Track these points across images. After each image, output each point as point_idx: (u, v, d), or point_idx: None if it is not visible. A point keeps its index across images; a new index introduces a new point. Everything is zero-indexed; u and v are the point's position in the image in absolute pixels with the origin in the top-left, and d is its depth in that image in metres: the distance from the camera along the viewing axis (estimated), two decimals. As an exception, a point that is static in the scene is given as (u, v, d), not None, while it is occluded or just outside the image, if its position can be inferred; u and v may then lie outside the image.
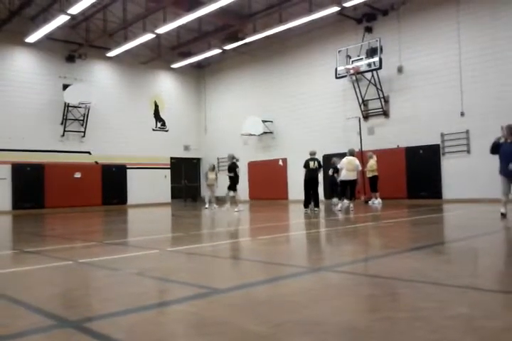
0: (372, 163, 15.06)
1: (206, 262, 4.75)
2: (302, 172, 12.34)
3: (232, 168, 14.14)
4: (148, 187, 21.20)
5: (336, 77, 16.98)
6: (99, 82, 20.55)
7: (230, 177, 14.13)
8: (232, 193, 14.32)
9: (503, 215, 8.20)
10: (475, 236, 6.27)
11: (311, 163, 12.04)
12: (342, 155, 13.72)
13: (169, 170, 22.57)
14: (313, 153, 12.36)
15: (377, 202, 14.88)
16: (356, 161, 11.94)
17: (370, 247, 5.79)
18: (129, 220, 13.13)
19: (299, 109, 19.32)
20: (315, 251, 5.68)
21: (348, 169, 11.77)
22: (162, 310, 2.85)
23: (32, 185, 18.06)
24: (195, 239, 6.97)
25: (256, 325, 2.43)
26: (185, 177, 23.51)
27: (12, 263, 4.90)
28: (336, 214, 11.23)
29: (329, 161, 15.41)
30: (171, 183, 22.61)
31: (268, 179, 20.28)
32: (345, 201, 11.92)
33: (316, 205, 11.96)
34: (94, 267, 4.54)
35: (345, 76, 16.68)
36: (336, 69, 16.86)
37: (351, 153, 12.10)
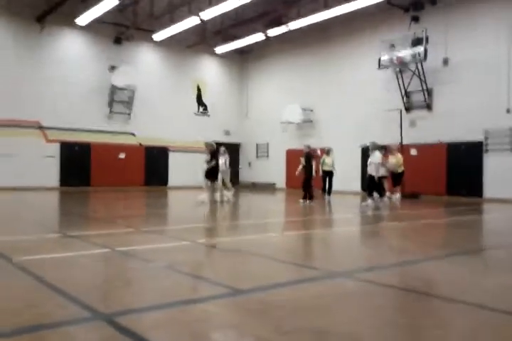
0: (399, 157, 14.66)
1: (233, 258, 4.99)
2: (338, 162, 13.96)
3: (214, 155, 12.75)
4: (189, 170, 21.73)
5: (379, 67, 16.70)
6: (144, 65, 21.07)
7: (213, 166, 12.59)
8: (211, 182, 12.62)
9: None
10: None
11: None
12: (381, 147, 13.74)
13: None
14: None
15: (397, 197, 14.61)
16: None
17: (394, 252, 5.87)
18: (168, 204, 13.61)
19: (339, 99, 19.17)
20: (338, 252, 5.82)
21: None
22: (184, 308, 3.10)
23: (79, 163, 18.97)
24: (227, 232, 7.24)
25: (267, 331, 2.63)
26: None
27: (54, 248, 5.31)
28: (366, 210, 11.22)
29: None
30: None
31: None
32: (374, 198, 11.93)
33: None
34: (129, 257, 4.88)
35: (388, 66, 16.38)
36: (380, 59, 16.57)
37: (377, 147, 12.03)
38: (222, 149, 15.65)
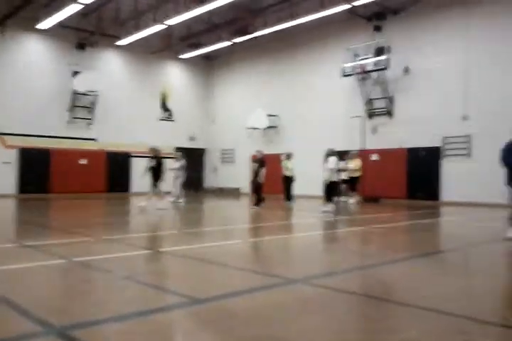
0: (358, 162, 15.06)
1: (192, 266, 4.96)
2: (302, 167, 13.54)
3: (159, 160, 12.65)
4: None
5: (343, 75, 17.06)
6: (108, 70, 20.74)
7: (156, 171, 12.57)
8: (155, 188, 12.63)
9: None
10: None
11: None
12: (343, 153, 14.07)
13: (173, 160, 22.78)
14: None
15: (354, 201, 14.95)
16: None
17: (354, 257, 5.98)
18: (129, 212, 13.39)
19: (303, 105, 19.42)
20: (297, 259, 5.87)
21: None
22: (141, 320, 3.06)
23: (38, 169, 18.43)
24: (187, 239, 7.19)
25: (219, 339, 2.64)
26: (189, 167, 23.69)
27: (10, 259, 5.14)
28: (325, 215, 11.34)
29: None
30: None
31: (270, 173, 20.57)
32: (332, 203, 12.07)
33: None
34: (87, 267, 4.77)
35: (351, 74, 16.76)
36: (343, 67, 16.93)
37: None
38: (178, 154, 15.71)
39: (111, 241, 6.74)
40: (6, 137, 17.99)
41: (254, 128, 20.46)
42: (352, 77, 17.01)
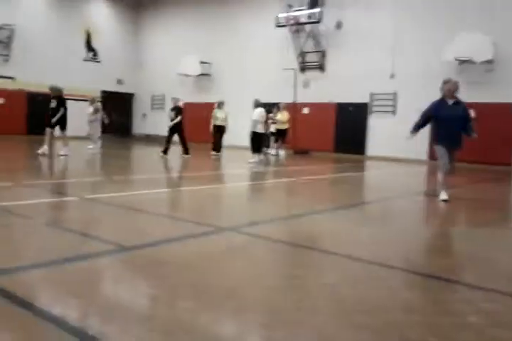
0: (285, 115, 15.03)
1: (119, 214, 4.93)
2: (234, 117, 13.74)
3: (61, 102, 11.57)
4: (77, 120, 20.44)
5: (276, 26, 16.84)
6: (26, 2, 18.89)
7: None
8: (60, 132, 11.66)
9: (446, 201, 6.39)
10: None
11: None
12: (272, 105, 14.19)
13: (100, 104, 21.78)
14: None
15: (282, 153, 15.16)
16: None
17: (280, 207, 6.21)
18: (52, 156, 12.80)
19: (238, 54, 19.03)
20: (225, 208, 6.01)
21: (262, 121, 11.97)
22: (67, 266, 3.03)
23: None
24: (113, 186, 7.07)
25: (150, 287, 2.71)
26: (116, 112, 22.81)
27: None
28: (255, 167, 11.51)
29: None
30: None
31: (204, 122, 20.44)
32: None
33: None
34: (7, 213, 4.59)
35: (285, 25, 16.59)
36: (277, 18, 16.70)
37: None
38: (92, 98, 14.78)
39: (32, 186, 6.48)
40: None
41: (186, 75, 19.86)
42: (286, 28, 16.82)
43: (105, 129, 21.98)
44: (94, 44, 21.28)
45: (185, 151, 12.75)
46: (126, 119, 23.31)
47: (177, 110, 12.82)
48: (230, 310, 2.41)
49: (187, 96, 20.44)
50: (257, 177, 9.78)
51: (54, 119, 11.17)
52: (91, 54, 21.23)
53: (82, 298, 2.49)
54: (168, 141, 12.69)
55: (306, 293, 2.72)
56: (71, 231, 4.00)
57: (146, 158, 13.80)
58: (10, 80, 18.60)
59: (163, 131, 21.87)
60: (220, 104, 13.71)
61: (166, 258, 3.28)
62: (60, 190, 6.39)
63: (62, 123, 11.35)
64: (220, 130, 13.59)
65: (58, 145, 11.91)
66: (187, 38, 20.72)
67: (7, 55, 18.31)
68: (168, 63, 20.86)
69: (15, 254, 3.26)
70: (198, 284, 2.78)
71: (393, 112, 15.34)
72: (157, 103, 22.43)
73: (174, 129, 12.74)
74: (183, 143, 12.76)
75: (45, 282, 2.74)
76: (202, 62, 19.54)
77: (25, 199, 5.34)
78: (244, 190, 7.70)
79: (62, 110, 11.22)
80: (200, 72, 19.53)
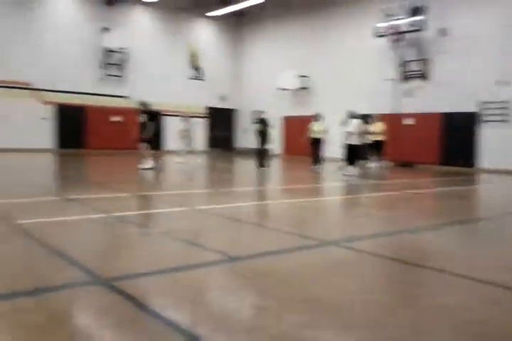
0: (380, 126, 14.62)
1: (227, 225, 5.10)
2: (332, 129, 13.72)
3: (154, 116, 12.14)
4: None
5: (376, 36, 16.52)
6: (137, 26, 20.64)
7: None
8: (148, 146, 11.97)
9: None
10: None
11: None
12: (367, 116, 13.84)
13: (205, 120, 22.95)
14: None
15: (379, 165, 14.68)
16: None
17: (385, 221, 6.01)
18: (165, 169, 13.64)
19: (336, 66, 18.97)
20: (329, 221, 5.94)
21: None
22: (180, 274, 3.20)
23: (74, 125, 18.96)
24: (221, 198, 7.33)
25: (259, 298, 2.75)
26: (219, 127, 23.82)
27: (57, 212, 5.39)
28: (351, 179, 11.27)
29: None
30: (208, 133, 23.10)
31: (302, 135, 20.61)
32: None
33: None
34: (125, 222, 4.97)
35: (384, 35, 16.22)
36: (376, 28, 16.39)
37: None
38: (185, 114, 15.36)
39: (145, 197, 6.95)
40: (44, 93, 18.35)
41: (285, 89, 20.18)
42: (386, 37, 16.42)
43: (209, 144, 23.21)
44: (199, 63, 22.48)
45: (262, 164, 12.87)
46: (229, 134, 24.21)
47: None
48: (338, 325, 2.38)
49: (285, 110, 20.78)
50: (356, 190, 9.57)
51: (148, 134, 11.60)
52: (195, 72, 22.45)
53: (193, 305, 2.60)
54: (261, 154, 12.98)
55: (419, 313, 2.59)
56: (182, 240, 4.22)
57: (246, 170, 14.15)
58: (125, 99, 20.27)
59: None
60: (317, 117, 13.82)
61: (272, 270, 3.32)
62: (170, 201, 6.78)
63: (150, 136, 11.69)
64: (316, 142, 13.68)
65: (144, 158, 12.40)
66: (285, 52, 21.12)
67: (121, 76, 20.02)
68: (267, 78, 21.37)
69: (134, 261, 3.51)
70: (304, 297, 2.77)
71: (507, 122, 14.20)
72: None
73: (263, 140, 12.98)
74: (263, 154, 12.93)
75: (159, 288, 2.91)
76: (300, 76, 19.73)
77: (141, 210, 5.74)
78: (343, 203, 7.58)
79: (152, 124, 11.57)
80: (298, 86, 19.74)
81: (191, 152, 15.21)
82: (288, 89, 20.11)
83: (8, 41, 17.55)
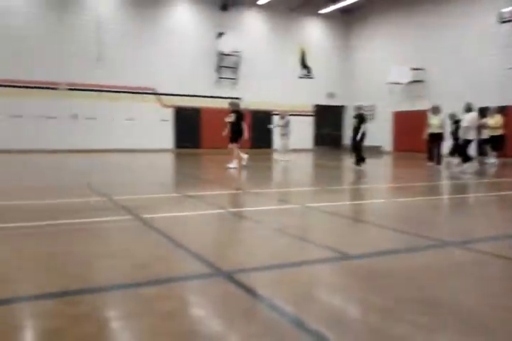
0: (498, 119, 13.25)
1: (339, 223, 5.09)
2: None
3: (240, 114, 12.19)
4: (295, 134, 21.95)
5: (500, 21, 15.19)
6: (249, 29, 21.26)
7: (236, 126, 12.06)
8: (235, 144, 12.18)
9: None
10: None
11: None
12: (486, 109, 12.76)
13: (312, 118, 22.98)
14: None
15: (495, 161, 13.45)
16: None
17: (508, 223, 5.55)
18: (274, 167, 13.94)
19: (453, 57, 17.79)
20: (444, 221, 5.64)
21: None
22: (294, 270, 3.28)
23: (190, 126, 20.19)
24: (332, 196, 7.31)
25: (377, 298, 2.72)
26: (328, 125, 23.68)
27: (179, 207, 5.82)
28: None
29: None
30: (315, 130, 23.08)
31: (414, 131, 19.64)
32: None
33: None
34: (241, 218, 5.20)
35: (510, 20, 14.87)
36: (501, 13, 15.06)
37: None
38: (283, 111, 15.35)
39: (258, 194, 7.18)
40: (163, 97, 19.77)
41: (396, 83, 19.42)
42: (510, 23, 15.03)
43: (317, 142, 23.18)
44: (308, 61, 22.54)
45: (357, 162, 12.32)
46: (338, 131, 23.95)
47: (359, 118, 12.16)
48: (460, 330, 2.27)
49: (397, 104, 20.01)
50: (472, 188, 8.92)
51: (238, 134, 11.93)
52: (305, 71, 22.54)
53: (312, 301, 2.65)
54: (358, 150, 12.26)
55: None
56: (295, 236, 4.30)
57: (351, 168, 13.90)
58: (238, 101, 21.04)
59: (374, 141, 21.96)
60: (435, 110, 12.57)
61: (388, 270, 3.26)
62: (281, 198, 6.93)
63: (237, 136, 11.96)
64: (435, 138, 12.53)
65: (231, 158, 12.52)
66: (396, 46, 20.37)
67: (235, 79, 20.80)
68: (377, 73, 20.78)
69: (251, 255, 3.67)
70: (425, 299, 2.68)
71: None
72: (367, 114, 22.45)
73: (362, 140, 12.31)
74: (358, 151, 12.28)
75: (276, 282, 3.01)
76: (414, 69, 18.87)
77: (254, 206, 5.96)
78: (460, 202, 7.11)
79: (241, 124, 11.90)
80: (411, 79, 18.90)
81: (290, 150, 15.34)
82: (400, 83, 19.34)
83: (135, 50, 19.15)
